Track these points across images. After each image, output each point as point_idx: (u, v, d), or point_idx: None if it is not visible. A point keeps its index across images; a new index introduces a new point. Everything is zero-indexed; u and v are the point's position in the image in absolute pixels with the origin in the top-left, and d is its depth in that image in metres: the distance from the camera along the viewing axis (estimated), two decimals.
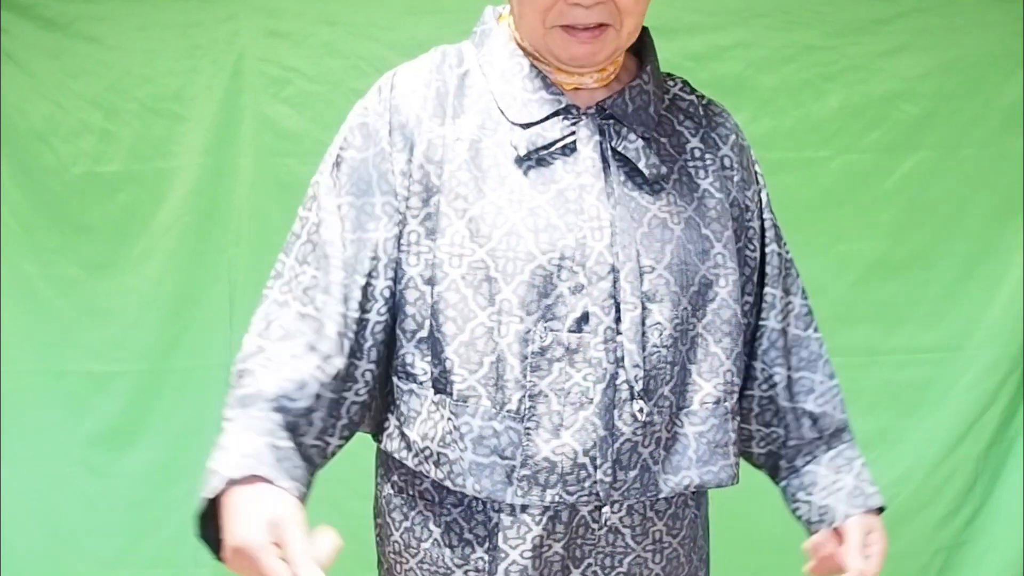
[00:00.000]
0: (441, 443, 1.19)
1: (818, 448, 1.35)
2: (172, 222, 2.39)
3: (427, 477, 1.24)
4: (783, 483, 1.38)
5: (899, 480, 2.44)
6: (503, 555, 1.20)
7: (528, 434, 1.17)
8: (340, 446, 1.23)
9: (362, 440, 1.30)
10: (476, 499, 1.21)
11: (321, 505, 2.50)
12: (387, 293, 1.21)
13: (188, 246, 2.39)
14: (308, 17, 2.37)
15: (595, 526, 1.22)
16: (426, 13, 2.35)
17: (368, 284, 1.20)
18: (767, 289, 1.35)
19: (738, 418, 1.28)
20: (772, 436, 1.36)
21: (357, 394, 1.22)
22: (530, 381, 1.17)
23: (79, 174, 2.38)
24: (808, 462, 1.35)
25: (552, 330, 1.17)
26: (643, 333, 1.18)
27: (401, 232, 1.21)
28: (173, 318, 2.40)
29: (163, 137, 2.38)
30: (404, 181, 1.21)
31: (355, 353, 1.20)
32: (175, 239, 2.39)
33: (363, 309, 1.20)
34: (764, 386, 1.34)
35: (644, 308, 1.19)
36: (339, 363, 1.18)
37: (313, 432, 1.18)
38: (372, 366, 1.22)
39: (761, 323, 1.34)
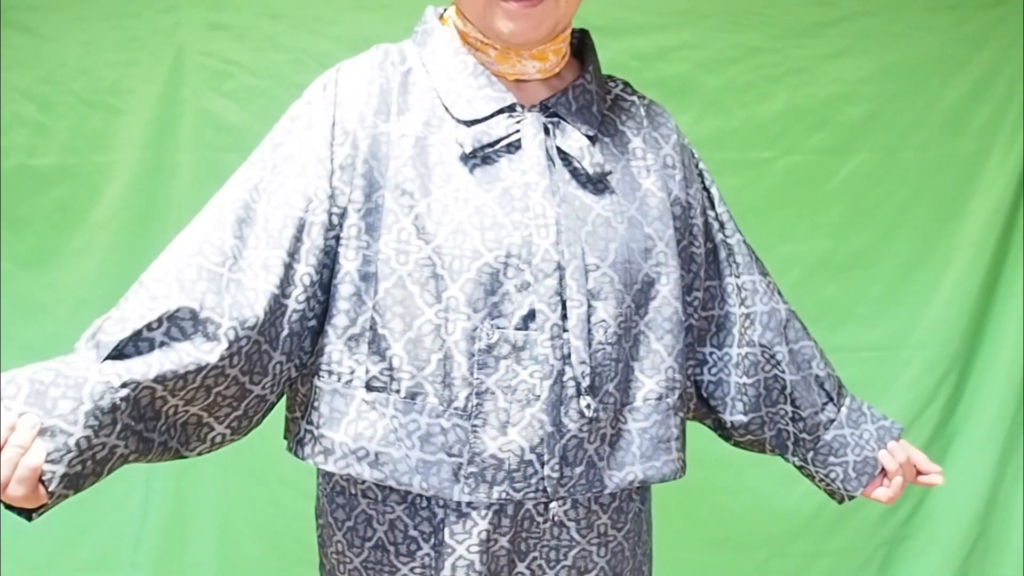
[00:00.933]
0: (383, 442, 1.18)
1: (831, 410, 1.40)
2: (109, 217, 2.34)
3: (358, 480, 1.22)
4: (807, 454, 1.41)
5: None
6: (449, 550, 1.20)
7: (475, 431, 1.17)
8: (225, 437, 1.16)
9: None
10: (420, 496, 1.21)
11: (264, 505, 2.49)
12: (307, 280, 1.17)
13: (126, 242, 2.34)
14: (250, 10, 2.33)
15: (540, 520, 1.22)
16: (371, 8, 2.32)
17: (291, 265, 1.16)
18: (744, 278, 1.38)
19: (681, 414, 1.29)
20: (781, 414, 1.39)
21: (263, 387, 1.17)
22: (477, 378, 1.16)
23: (11, 167, 2.31)
24: (829, 428, 1.40)
25: (499, 327, 1.17)
26: (589, 330, 1.19)
27: (336, 223, 1.19)
28: None
29: (100, 130, 2.32)
30: (344, 175, 1.19)
31: (272, 342, 1.16)
32: (112, 235, 2.34)
33: (283, 293, 1.16)
34: (767, 367, 1.37)
35: (590, 306, 1.19)
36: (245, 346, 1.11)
37: (182, 405, 1.10)
38: (283, 359, 1.18)
39: (747, 310, 1.37)
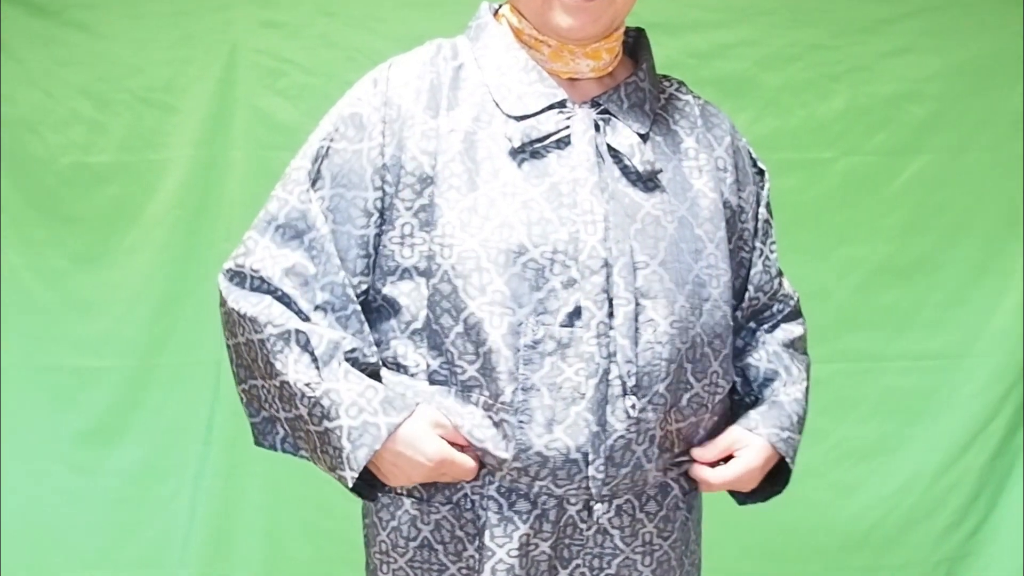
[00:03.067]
0: None
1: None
2: (163, 215, 2.36)
3: None
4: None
5: (902, 489, 2.43)
6: (490, 553, 1.19)
7: (521, 427, 1.16)
8: None
9: None
10: (465, 496, 1.21)
11: (311, 506, 2.49)
12: (367, 289, 1.23)
13: (179, 239, 2.36)
14: (304, 8, 2.35)
15: (583, 526, 1.21)
16: (423, 6, 2.32)
17: (360, 283, 1.22)
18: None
19: (717, 417, 1.28)
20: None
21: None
22: (523, 374, 1.16)
23: (68, 164, 2.34)
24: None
25: (544, 324, 1.16)
26: (636, 329, 1.18)
27: (391, 224, 1.22)
28: (162, 313, 2.36)
29: (154, 128, 2.34)
30: (393, 175, 1.21)
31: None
32: (165, 232, 2.35)
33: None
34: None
35: (638, 304, 1.18)
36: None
37: None
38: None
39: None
